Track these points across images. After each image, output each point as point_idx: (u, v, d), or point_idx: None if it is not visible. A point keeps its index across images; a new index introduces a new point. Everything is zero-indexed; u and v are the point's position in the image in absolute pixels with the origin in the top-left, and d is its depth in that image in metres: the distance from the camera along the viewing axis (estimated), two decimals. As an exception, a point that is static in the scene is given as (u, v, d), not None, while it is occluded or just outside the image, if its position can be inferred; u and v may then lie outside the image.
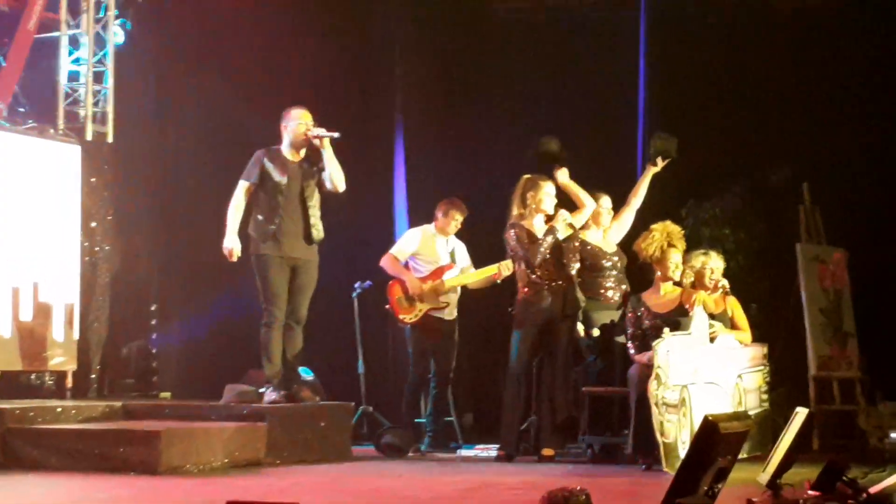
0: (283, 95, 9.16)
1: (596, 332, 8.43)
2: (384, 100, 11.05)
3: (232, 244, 8.06)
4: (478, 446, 9.01)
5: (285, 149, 8.16)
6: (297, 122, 8.09)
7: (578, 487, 4.83)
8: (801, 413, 6.04)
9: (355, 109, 10.11)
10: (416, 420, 9.12)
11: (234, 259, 8.08)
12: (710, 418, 4.36)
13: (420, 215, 9.61)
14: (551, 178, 8.51)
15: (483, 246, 9.16)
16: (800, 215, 10.05)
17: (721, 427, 4.32)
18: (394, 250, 9.08)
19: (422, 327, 8.94)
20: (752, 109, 10.25)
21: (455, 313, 9.10)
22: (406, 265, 9.06)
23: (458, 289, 9.08)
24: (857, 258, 10.02)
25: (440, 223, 9.11)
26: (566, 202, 8.56)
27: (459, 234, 9.23)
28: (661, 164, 8.76)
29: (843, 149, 10.08)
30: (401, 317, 8.94)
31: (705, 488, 4.40)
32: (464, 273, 9.05)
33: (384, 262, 9.05)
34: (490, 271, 8.84)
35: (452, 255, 9.10)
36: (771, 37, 10.25)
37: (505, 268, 8.67)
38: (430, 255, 9.03)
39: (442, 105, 11.07)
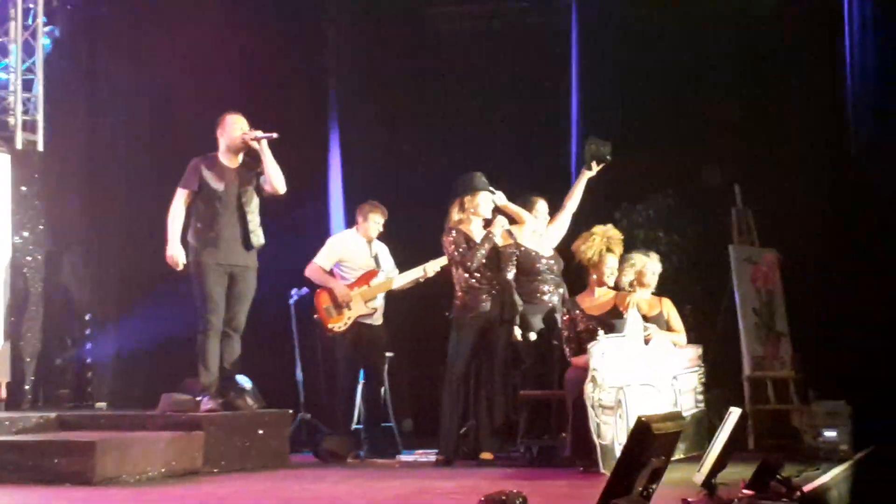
0: (218, 98, 9.13)
1: (533, 336, 8.47)
2: (319, 103, 11.05)
3: (176, 252, 8.00)
4: (417, 451, 9.01)
5: (222, 155, 8.13)
6: (233, 127, 8.07)
7: (515, 490, 4.86)
8: (734, 413, 6.10)
9: (290, 114, 10.07)
10: (353, 427, 9.11)
11: (180, 267, 8.02)
12: (643, 419, 4.39)
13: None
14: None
15: (422, 249, 9.16)
16: (732, 217, 10.16)
17: (654, 427, 4.36)
18: (318, 259, 9.06)
19: (351, 335, 8.93)
20: (684, 112, 10.32)
21: (381, 319, 9.09)
22: (331, 273, 9.04)
23: (383, 294, 9.07)
24: (789, 259, 10.14)
25: (361, 228, 9.12)
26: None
27: (395, 238, 9.24)
28: (595, 168, 8.82)
29: (775, 151, 10.20)
30: (330, 325, 8.93)
31: (640, 489, 4.43)
32: (389, 278, 9.05)
33: (309, 272, 9.04)
34: (415, 274, 8.87)
35: (377, 259, 9.10)
36: (703, 40, 10.34)
37: (430, 269, 8.72)
38: (355, 261, 9.03)
39: (377, 108, 11.10)
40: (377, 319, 9.05)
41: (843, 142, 9.93)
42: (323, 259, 9.05)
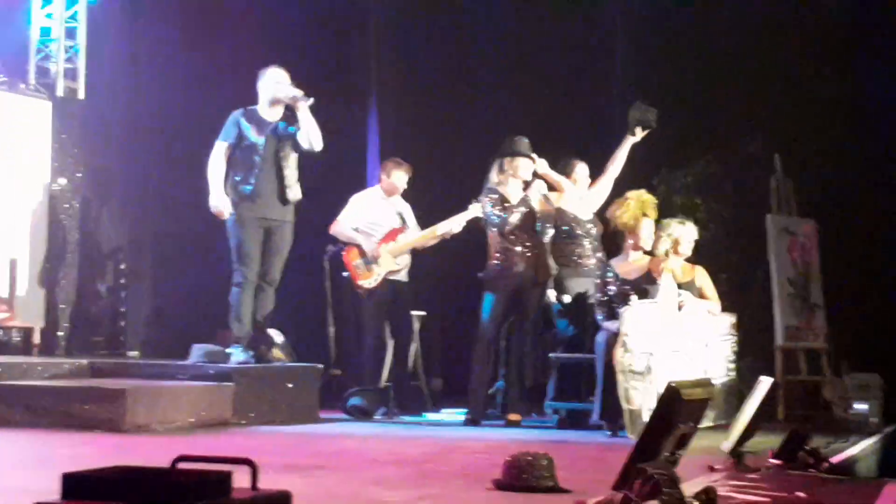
0: (259, 56, 9.10)
1: (567, 299, 8.43)
2: (359, 65, 11.02)
3: (219, 202, 7.99)
4: (445, 410, 9.02)
5: (262, 109, 8.11)
6: (273, 81, 8.05)
7: (542, 452, 4.85)
8: (764, 382, 6.06)
9: (331, 72, 10.05)
10: (382, 384, 9.12)
11: (226, 216, 7.99)
12: (672, 385, 4.36)
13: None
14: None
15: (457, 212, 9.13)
16: (771, 186, 10.07)
17: (683, 394, 4.31)
18: (341, 216, 9.03)
19: (379, 291, 8.92)
20: (725, 79, 10.24)
21: (408, 276, 9.08)
22: (357, 230, 9.02)
23: (410, 251, 9.06)
24: (828, 230, 10.06)
25: (385, 185, 9.10)
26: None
27: (430, 200, 9.20)
28: (640, 134, 8.74)
29: (816, 120, 10.10)
30: (360, 282, 8.91)
31: (666, 454, 4.40)
32: (418, 233, 9.01)
33: (334, 230, 9.01)
34: (442, 229, 8.81)
35: (401, 216, 9.08)
36: (745, 5, 10.22)
37: (456, 225, 8.67)
38: (379, 219, 9.01)
39: (416, 73, 11.05)
40: (404, 276, 9.04)
41: (889, 114, 9.80)
42: (346, 215, 9.02)
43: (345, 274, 8.99)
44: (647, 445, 4.31)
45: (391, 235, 8.97)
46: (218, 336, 8.58)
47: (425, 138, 10.67)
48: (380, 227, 9.00)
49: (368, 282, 8.89)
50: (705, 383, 4.92)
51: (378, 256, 8.89)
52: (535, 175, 8.51)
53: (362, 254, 8.90)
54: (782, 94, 10.22)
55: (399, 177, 9.04)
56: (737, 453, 5.78)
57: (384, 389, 9.01)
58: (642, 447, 4.29)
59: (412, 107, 10.97)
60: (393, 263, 8.92)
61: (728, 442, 5.84)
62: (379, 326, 9.01)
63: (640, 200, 8.09)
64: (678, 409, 4.34)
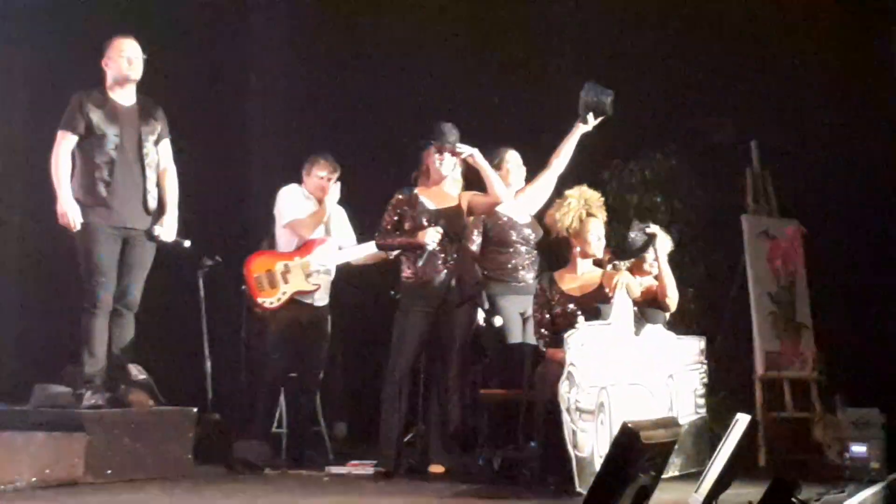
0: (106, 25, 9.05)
1: (499, 321, 8.41)
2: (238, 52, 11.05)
3: (69, 208, 7.90)
4: (351, 462, 8.97)
5: (113, 91, 8.04)
6: (125, 57, 8.01)
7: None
8: (741, 420, 6.10)
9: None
10: (273, 430, 9.06)
11: (77, 227, 7.92)
12: (629, 425, 4.37)
13: (285, 176, 9.52)
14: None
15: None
16: (746, 180, 10.16)
17: (643, 436, 4.33)
18: (287, 216, 8.98)
19: (286, 314, 8.87)
20: (690, 55, 10.32)
21: (327, 299, 9.05)
22: (273, 235, 8.99)
23: (333, 269, 9.02)
24: (815, 233, 10.17)
25: (307, 184, 9.07)
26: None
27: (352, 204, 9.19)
28: (592, 121, 8.76)
29: (798, 101, 10.21)
30: (260, 300, 8.87)
31: (623, 511, 4.41)
32: (342, 249, 9.00)
33: (285, 232, 8.96)
34: (369, 249, 8.83)
35: (327, 224, 9.04)
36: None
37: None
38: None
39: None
40: (321, 299, 8.99)
41: (883, 93, 9.93)
42: (291, 214, 8.96)
43: (242, 288, 8.94)
44: (600, 500, 4.31)
45: (307, 247, 8.92)
46: (65, 374, 8.46)
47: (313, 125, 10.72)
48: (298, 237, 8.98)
49: (270, 300, 8.85)
50: (669, 423, 4.95)
51: (287, 271, 8.85)
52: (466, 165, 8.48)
53: (268, 265, 8.85)
54: (757, 70, 10.32)
55: (317, 174, 9.02)
56: (709, 508, 5.81)
57: (275, 437, 8.97)
58: (594, 502, 4.29)
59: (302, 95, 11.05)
60: (304, 282, 8.88)
61: (698, 494, 5.87)
62: (281, 358, 8.95)
63: (581, 198, 8.14)
64: (636, 454, 4.35)
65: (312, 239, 8.97)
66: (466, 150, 8.34)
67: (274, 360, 8.99)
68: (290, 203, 9.02)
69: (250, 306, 9.05)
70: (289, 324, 8.92)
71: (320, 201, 9.00)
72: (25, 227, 8.37)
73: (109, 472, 7.60)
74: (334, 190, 9.01)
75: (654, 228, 8.26)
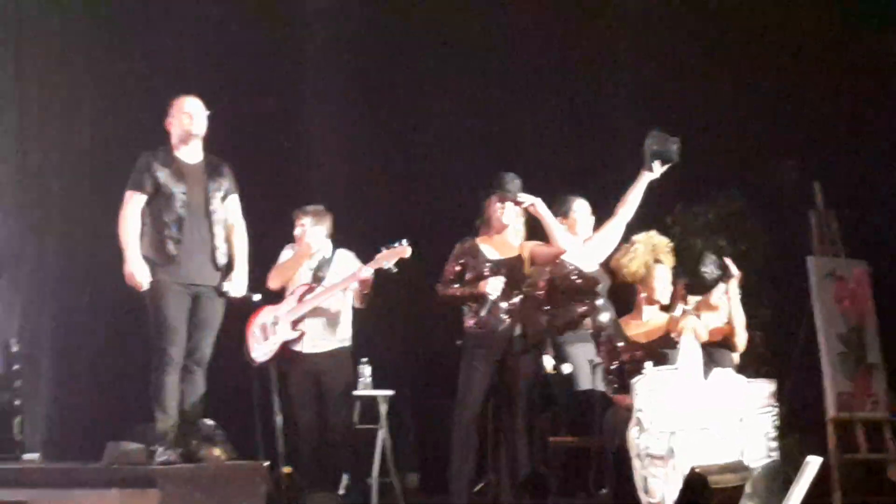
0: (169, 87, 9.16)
1: (568, 368, 8.40)
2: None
3: (137, 269, 7.93)
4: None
5: (178, 149, 8.13)
6: (187, 115, 8.09)
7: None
8: (812, 463, 6.07)
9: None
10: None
11: (145, 286, 7.95)
12: (697, 471, 4.36)
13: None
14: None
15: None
16: (811, 222, 10.12)
17: (711, 481, 4.33)
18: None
19: (299, 368, 8.98)
20: (753, 96, 10.30)
21: (321, 346, 9.07)
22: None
23: (338, 313, 9.06)
24: (883, 273, 10.10)
25: (296, 237, 9.19)
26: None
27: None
28: (659, 169, 8.74)
29: (862, 141, 10.16)
30: (253, 355, 8.98)
31: (694, 556, 4.40)
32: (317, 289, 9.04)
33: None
34: (363, 271, 8.85)
35: (316, 271, 9.08)
36: (772, 14, 10.32)
37: (364, 272, 8.73)
38: (294, 279, 9.13)
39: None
40: (312, 346, 9.02)
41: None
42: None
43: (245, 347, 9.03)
44: (670, 546, 4.30)
45: (295, 295, 9.00)
46: (137, 431, 8.52)
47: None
48: (292, 284, 9.05)
49: (256, 353, 8.91)
50: (739, 467, 4.94)
51: (276, 322, 8.92)
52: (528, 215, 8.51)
53: (263, 318, 8.95)
54: (821, 109, 10.28)
55: (300, 223, 9.12)
56: (782, 552, 5.78)
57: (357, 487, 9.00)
58: (664, 548, 4.29)
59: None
60: (289, 331, 8.93)
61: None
62: (305, 410, 8.99)
63: (649, 244, 8.12)
64: (705, 499, 4.34)
65: (302, 286, 9.03)
66: (528, 199, 8.36)
67: (298, 412, 9.03)
68: (280, 258, 9.16)
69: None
70: (302, 376, 9.00)
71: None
72: (95, 286, 8.43)
73: (183, 527, 7.66)
74: (311, 233, 9.08)
75: (726, 260, 8.25)
